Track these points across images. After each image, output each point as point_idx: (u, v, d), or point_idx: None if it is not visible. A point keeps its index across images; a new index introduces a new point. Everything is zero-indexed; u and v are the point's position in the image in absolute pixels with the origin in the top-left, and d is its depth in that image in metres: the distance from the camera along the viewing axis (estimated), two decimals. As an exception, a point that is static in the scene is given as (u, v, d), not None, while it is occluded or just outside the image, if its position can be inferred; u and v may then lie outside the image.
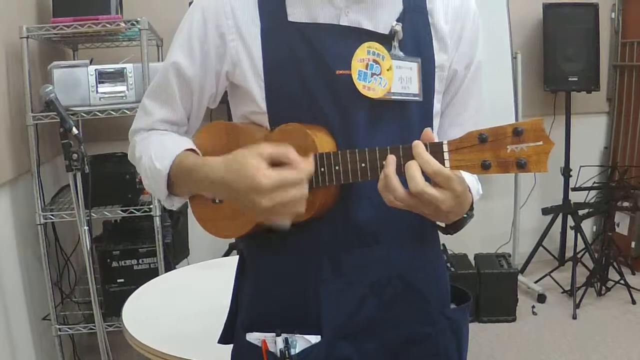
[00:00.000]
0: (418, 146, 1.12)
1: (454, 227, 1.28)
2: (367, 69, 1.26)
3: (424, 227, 1.38)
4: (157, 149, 1.35)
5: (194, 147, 1.36)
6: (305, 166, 1.15)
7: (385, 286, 1.34)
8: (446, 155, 1.13)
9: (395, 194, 1.13)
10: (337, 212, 1.30)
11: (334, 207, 1.29)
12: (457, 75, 1.40)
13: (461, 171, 1.14)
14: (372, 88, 1.26)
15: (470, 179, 1.27)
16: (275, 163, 1.14)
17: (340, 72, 1.26)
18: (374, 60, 1.26)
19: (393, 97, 1.28)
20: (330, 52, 1.26)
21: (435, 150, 1.13)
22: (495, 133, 1.10)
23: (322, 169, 1.21)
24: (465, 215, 1.24)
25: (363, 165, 1.18)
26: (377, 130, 1.28)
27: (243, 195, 1.14)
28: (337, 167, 1.20)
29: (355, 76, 1.26)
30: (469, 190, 1.22)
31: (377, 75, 1.26)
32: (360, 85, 1.26)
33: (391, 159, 1.13)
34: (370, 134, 1.26)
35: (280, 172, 1.12)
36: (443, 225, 1.31)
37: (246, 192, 1.13)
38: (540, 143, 1.07)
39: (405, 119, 1.29)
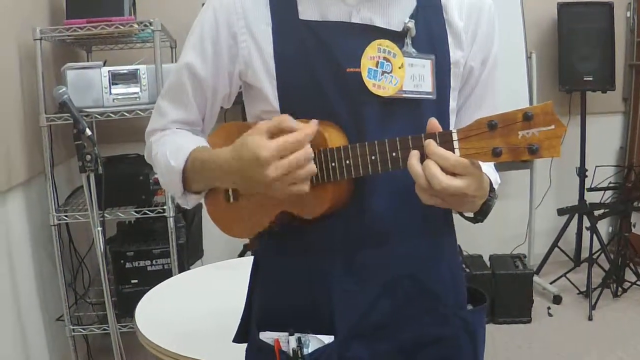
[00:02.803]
0: (430, 144, 1.11)
1: (482, 213, 1.26)
2: (377, 66, 1.25)
3: (439, 226, 1.38)
4: (172, 147, 1.36)
5: (208, 146, 1.36)
6: (304, 127, 1.15)
7: (399, 286, 1.33)
8: (456, 144, 1.11)
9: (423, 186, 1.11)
10: (351, 210, 1.29)
11: (348, 204, 1.28)
12: (473, 72, 1.38)
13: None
14: (382, 86, 1.25)
15: (487, 168, 1.26)
16: (277, 135, 1.14)
17: (351, 70, 1.25)
18: (385, 58, 1.25)
19: (404, 95, 1.27)
20: (340, 49, 1.26)
21: (445, 139, 1.12)
22: (504, 119, 1.07)
23: (333, 164, 1.20)
24: (489, 197, 1.23)
25: (373, 158, 1.17)
26: (389, 128, 1.26)
27: (251, 175, 1.15)
28: (347, 161, 1.19)
29: (364, 74, 1.24)
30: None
31: (388, 73, 1.25)
32: (370, 83, 1.25)
33: (413, 154, 1.13)
34: (381, 131, 1.25)
35: (277, 139, 1.13)
36: (471, 215, 1.29)
37: (252, 170, 1.14)
38: (552, 127, 1.04)
39: (419, 117, 1.28)
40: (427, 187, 1.11)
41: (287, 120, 1.15)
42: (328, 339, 1.31)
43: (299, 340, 1.31)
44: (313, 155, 1.15)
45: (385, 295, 1.32)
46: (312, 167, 1.16)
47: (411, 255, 1.33)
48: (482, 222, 1.30)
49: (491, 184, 1.26)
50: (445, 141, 1.12)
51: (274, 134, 1.14)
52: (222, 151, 1.24)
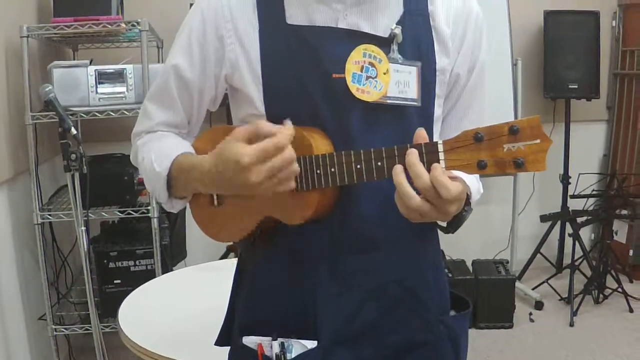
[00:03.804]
0: (411, 154, 1.11)
1: (453, 225, 1.27)
2: (362, 71, 1.25)
3: (424, 232, 1.38)
4: (157, 152, 1.35)
5: (192, 151, 1.36)
6: (282, 130, 1.14)
7: (383, 291, 1.33)
8: (441, 155, 1.11)
9: (410, 201, 1.12)
10: (337, 215, 1.29)
11: (333, 210, 1.28)
12: (460, 80, 1.38)
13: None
14: (366, 91, 1.25)
15: (470, 178, 1.26)
16: (255, 140, 1.14)
17: (336, 75, 1.25)
18: (370, 63, 1.25)
19: (389, 101, 1.27)
20: (327, 55, 1.26)
21: (431, 150, 1.12)
22: (491, 132, 1.08)
23: (318, 171, 1.20)
24: (464, 210, 1.23)
25: (358, 166, 1.17)
26: (374, 134, 1.27)
27: (234, 181, 1.14)
28: (332, 169, 1.19)
29: (349, 79, 1.24)
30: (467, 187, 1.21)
31: (373, 78, 1.25)
32: (353, 87, 1.25)
33: (399, 169, 1.12)
34: (367, 137, 1.25)
35: (258, 144, 1.12)
36: (444, 224, 1.29)
37: (235, 177, 1.14)
38: (538, 141, 1.05)
39: (404, 124, 1.28)
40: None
41: (265, 125, 1.14)
42: (311, 344, 1.31)
43: (282, 345, 1.31)
44: (295, 155, 1.15)
45: (370, 301, 1.33)
46: (295, 167, 1.15)
47: (396, 260, 1.34)
48: (452, 233, 1.31)
49: (468, 197, 1.26)
50: (431, 152, 1.12)
51: (252, 139, 1.14)
52: (203, 160, 1.23)
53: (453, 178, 1.11)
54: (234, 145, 1.13)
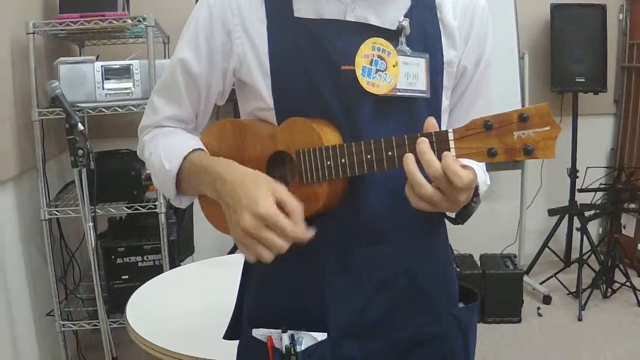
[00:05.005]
0: (422, 143, 1.11)
1: (462, 216, 1.27)
2: (371, 64, 1.25)
3: (432, 224, 1.38)
4: (166, 149, 1.35)
5: (202, 147, 1.36)
6: (303, 231, 1.15)
7: (392, 284, 1.33)
8: (452, 144, 1.11)
9: (422, 190, 1.11)
10: (346, 209, 1.29)
11: (342, 202, 1.28)
12: (467, 72, 1.38)
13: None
14: (376, 84, 1.25)
15: (477, 169, 1.26)
16: (280, 207, 1.14)
17: (345, 67, 1.25)
18: (379, 56, 1.25)
19: (398, 94, 1.27)
20: (335, 47, 1.26)
21: (441, 138, 1.12)
22: (500, 120, 1.08)
23: (328, 162, 1.20)
24: (473, 201, 1.23)
25: (369, 156, 1.17)
26: (383, 126, 1.27)
27: (233, 211, 1.16)
28: (342, 160, 1.19)
29: (359, 72, 1.25)
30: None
31: (382, 71, 1.25)
32: (363, 81, 1.25)
33: (411, 157, 1.12)
34: (376, 129, 1.25)
35: (281, 215, 1.12)
36: (453, 215, 1.29)
37: (237, 209, 1.15)
38: (547, 128, 1.05)
39: (413, 115, 1.28)
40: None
41: (299, 211, 1.14)
42: (321, 336, 1.31)
43: (292, 337, 1.31)
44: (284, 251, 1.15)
45: (380, 293, 1.33)
46: (270, 257, 1.15)
47: (405, 252, 1.33)
48: (462, 224, 1.30)
49: (476, 188, 1.26)
50: (441, 141, 1.12)
51: (279, 203, 1.14)
52: (226, 167, 1.23)
53: (463, 167, 1.11)
54: (266, 194, 1.14)
